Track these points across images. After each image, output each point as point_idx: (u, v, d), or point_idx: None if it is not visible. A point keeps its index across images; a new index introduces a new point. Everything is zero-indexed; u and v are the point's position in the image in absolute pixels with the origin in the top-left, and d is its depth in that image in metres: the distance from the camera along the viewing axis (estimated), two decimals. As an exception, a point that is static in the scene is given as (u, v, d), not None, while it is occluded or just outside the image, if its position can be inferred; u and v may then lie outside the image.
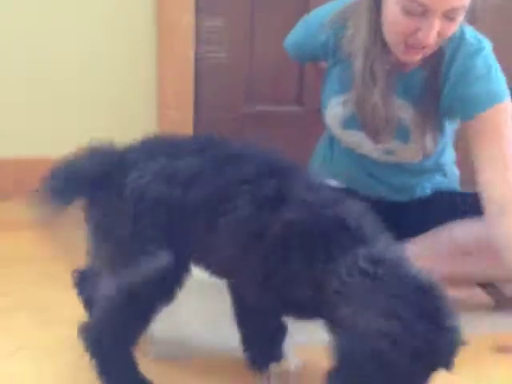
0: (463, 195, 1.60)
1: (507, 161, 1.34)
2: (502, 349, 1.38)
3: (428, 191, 1.62)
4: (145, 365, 1.24)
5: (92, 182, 1.17)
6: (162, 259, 1.13)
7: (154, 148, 1.19)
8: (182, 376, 1.30)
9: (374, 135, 1.47)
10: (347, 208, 1.10)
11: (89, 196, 1.18)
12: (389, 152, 1.52)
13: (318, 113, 1.66)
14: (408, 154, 1.50)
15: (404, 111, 1.46)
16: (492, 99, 1.36)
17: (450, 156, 1.64)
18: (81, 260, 1.29)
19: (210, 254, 1.16)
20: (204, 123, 2.15)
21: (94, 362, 1.19)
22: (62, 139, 2.04)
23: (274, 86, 2.15)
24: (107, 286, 1.18)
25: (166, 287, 1.17)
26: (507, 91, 1.38)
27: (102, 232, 1.17)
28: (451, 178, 1.65)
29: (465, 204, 1.54)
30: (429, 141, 1.46)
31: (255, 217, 1.09)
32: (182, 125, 2.09)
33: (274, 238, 1.08)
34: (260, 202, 1.09)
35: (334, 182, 1.58)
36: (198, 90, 2.12)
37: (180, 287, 1.19)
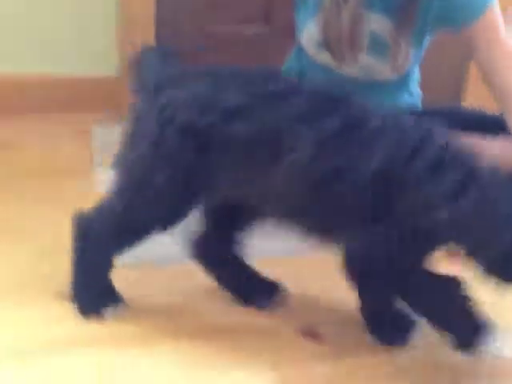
0: (425, 114, 1.60)
1: None
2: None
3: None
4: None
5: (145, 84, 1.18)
6: (170, 189, 1.13)
7: (211, 75, 1.17)
8: (141, 285, 1.31)
9: (340, 58, 1.47)
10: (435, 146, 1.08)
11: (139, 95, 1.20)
12: (366, 69, 1.51)
13: (286, 31, 1.62)
14: (385, 70, 1.50)
15: (382, 26, 1.44)
16: (485, 2, 1.38)
17: (416, 75, 1.65)
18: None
19: (269, 197, 1.15)
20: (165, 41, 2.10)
21: (73, 250, 1.21)
22: (30, 54, 2.00)
23: (240, 2, 2.10)
24: (115, 187, 1.19)
25: (167, 216, 1.18)
26: None
27: (130, 136, 1.17)
28: (416, 97, 1.66)
29: (433, 116, 1.54)
30: (406, 56, 1.46)
31: (326, 159, 1.08)
32: (143, 40, 2.03)
33: (369, 183, 1.06)
34: (328, 140, 1.07)
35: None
36: (160, 6, 2.06)
37: (182, 219, 1.19)
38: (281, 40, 1.78)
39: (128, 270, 1.33)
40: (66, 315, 1.20)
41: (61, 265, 1.21)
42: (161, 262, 1.39)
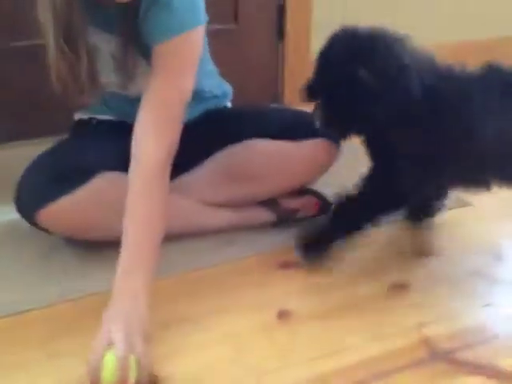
0: (235, 110, 1.61)
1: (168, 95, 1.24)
2: (284, 264, 1.39)
3: (196, 113, 1.52)
4: None
5: None
6: None
7: None
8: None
9: (79, 93, 1.29)
10: None
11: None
12: (122, 87, 1.37)
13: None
14: (137, 87, 1.35)
15: (112, 45, 1.31)
16: (171, 30, 1.23)
17: (210, 79, 1.55)
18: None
19: None
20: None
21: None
22: None
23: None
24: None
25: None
26: (196, 19, 1.25)
27: None
28: (220, 96, 1.59)
29: (239, 118, 1.54)
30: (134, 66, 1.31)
31: None
32: None
33: None
34: None
35: (107, 116, 1.52)
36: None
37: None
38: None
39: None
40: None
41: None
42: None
